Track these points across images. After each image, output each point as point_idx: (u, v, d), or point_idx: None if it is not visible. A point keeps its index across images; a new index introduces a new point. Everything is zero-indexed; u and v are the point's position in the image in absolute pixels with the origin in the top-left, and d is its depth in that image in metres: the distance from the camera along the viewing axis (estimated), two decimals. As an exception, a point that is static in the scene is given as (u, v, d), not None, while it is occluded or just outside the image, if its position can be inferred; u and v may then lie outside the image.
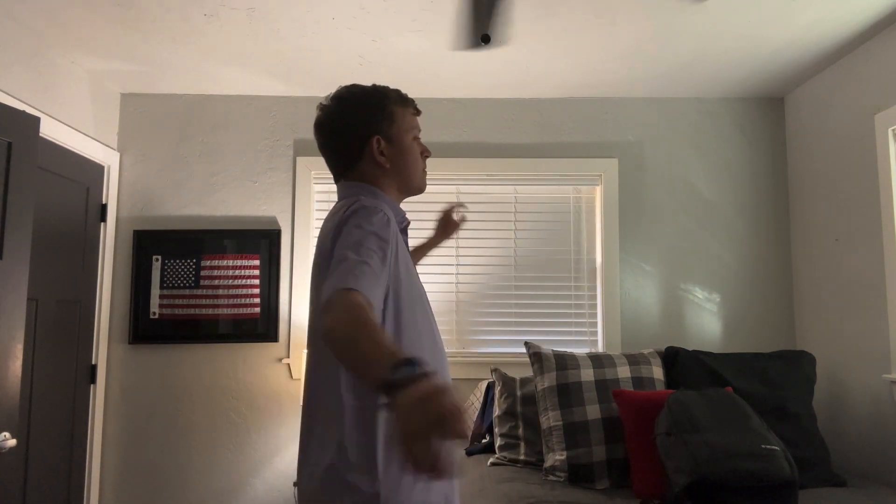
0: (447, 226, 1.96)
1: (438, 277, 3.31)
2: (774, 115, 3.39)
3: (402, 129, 1.43)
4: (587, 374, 2.55)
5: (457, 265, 3.33)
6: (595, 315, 3.32)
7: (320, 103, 1.47)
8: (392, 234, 1.29)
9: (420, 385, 0.84)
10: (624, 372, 2.60)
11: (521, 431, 2.66)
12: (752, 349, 3.24)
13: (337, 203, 1.42)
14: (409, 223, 1.48)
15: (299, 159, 3.33)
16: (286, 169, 3.34)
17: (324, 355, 1.31)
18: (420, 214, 3.26)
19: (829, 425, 2.94)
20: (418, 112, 1.49)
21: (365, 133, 1.41)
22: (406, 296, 1.32)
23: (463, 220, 1.99)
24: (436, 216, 1.97)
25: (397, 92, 1.46)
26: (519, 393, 2.74)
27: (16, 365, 2.13)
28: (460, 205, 2.01)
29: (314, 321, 1.37)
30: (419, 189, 1.49)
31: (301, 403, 3.02)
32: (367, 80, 3.15)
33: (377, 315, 1.15)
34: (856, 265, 2.79)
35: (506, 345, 3.30)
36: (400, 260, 1.33)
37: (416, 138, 1.47)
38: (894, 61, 2.57)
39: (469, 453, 2.81)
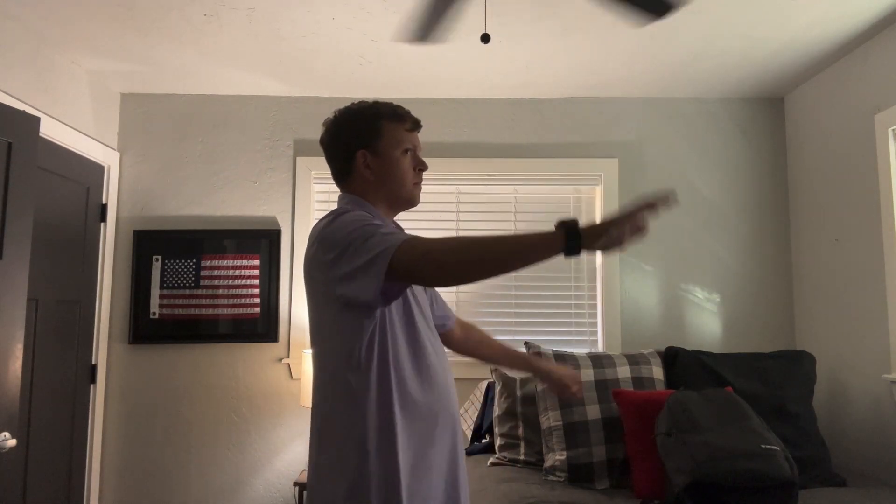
0: (556, 384, 1.70)
1: (438, 277, 3.31)
2: (774, 115, 3.39)
3: (391, 143, 1.47)
4: (587, 374, 2.55)
5: (457, 265, 3.32)
6: (595, 315, 3.32)
7: (326, 119, 1.54)
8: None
9: (596, 227, 1.13)
10: (624, 372, 2.60)
11: (521, 431, 2.66)
12: (752, 349, 3.24)
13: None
14: None
15: (299, 159, 3.33)
16: (286, 169, 3.34)
17: (337, 370, 1.35)
18: (421, 215, 3.26)
19: (829, 425, 2.94)
20: (416, 128, 1.52)
21: (353, 147, 1.48)
22: (397, 305, 1.38)
23: (577, 396, 1.72)
24: (557, 377, 1.69)
25: (392, 108, 1.50)
26: (519, 393, 2.74)
27: (16, 365, 2.13)
28: (577, 383, 1.70)
29: (314, 328, 1.41)
30: (408, 201, 1.51)
31: (300, 403, 3.03)
32: (366, 81, 3.16)
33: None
34: (856, 265, 2.79)
35: (506, 345, 3.29)
36: None
37: (409, 152, 1.50)
38: (894, 61, 2.57)
39: (469, 453, 2.81)
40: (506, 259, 1.17)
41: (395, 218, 1.55)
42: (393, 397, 1.32)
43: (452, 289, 3.29)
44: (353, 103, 1.53)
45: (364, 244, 1.26)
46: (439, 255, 1.19)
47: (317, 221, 1.44)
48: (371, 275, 1.23)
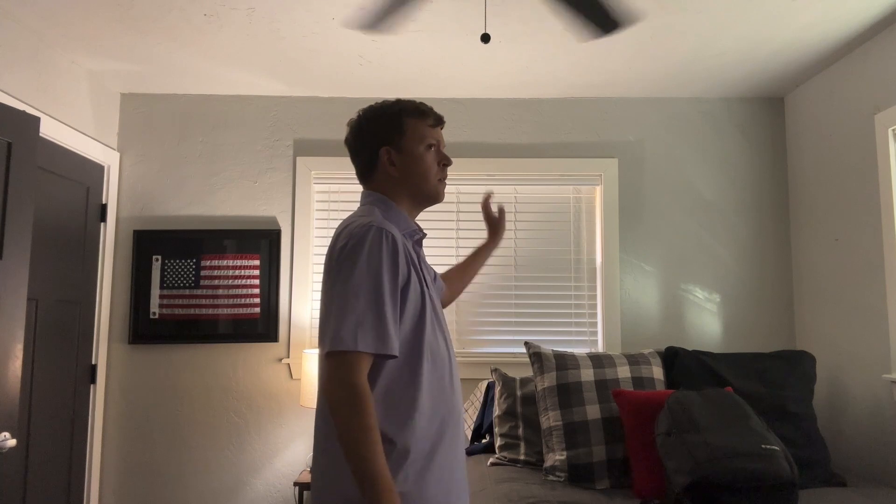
0: (495, 224, 1.95)
1: (438, 277, 3.31)
2: (774, 115, 3.39)
3: (414, 139, 1.48)
4: (587, 374, 2.55)
5: (457, 265, 3.32)
6: (595, 315, 3.32)
7: (350, 119, 1.55)
8: (399, 253, 1.34)
9: None
10: (624, 372, 2.60)
11: (521, 431, 2.66)
12: (752, 349, 3.24)
13: (354, 212, 1.49)
14: (423, 236, 1.55)
15: (299, 159, 3.33)
16: (286, 169, 3.34)
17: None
18: (421, 214, 3.26)
19: (829, 425, 2.94)
20: (439, 123, 1.53)
21: (377, 144, 1.48)
22: (412, 309, 1.36)
23: (499, 211, 1.97)
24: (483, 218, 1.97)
25: (415, 104, 1.51)
26: (519, 393, 2.74)
27: (16, 365, 2.13)
28: (489, 196, 1.95)
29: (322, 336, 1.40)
30: (432, 197, 1.52)
31: (300, 403, 3.03)
32: (366, 81, 3.16)
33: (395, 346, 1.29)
34: (856, 265, 2.79)
35: (506, 345, 3.30)
36: (410, 276, 1.37)
37: (433, 147, 1.50)
38: (894, 61, 2.57)
39: (469, 453, 2.81)
40: (348, 448, 1.20)
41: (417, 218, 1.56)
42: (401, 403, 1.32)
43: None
44: (376, 102, 1.54)
45: (362, 307, 1.27)
46: (346, 400, 1.22)
47: (347, 217, 1.44)
48: (326, 335, 1.29)
